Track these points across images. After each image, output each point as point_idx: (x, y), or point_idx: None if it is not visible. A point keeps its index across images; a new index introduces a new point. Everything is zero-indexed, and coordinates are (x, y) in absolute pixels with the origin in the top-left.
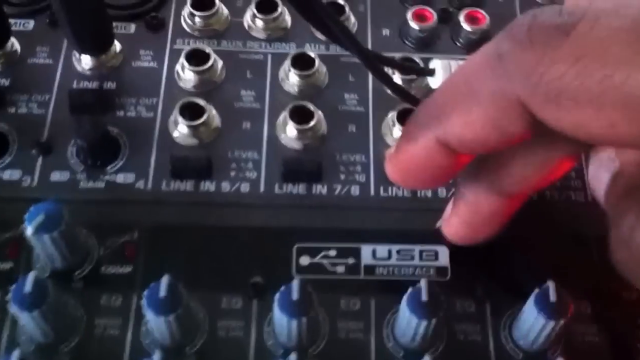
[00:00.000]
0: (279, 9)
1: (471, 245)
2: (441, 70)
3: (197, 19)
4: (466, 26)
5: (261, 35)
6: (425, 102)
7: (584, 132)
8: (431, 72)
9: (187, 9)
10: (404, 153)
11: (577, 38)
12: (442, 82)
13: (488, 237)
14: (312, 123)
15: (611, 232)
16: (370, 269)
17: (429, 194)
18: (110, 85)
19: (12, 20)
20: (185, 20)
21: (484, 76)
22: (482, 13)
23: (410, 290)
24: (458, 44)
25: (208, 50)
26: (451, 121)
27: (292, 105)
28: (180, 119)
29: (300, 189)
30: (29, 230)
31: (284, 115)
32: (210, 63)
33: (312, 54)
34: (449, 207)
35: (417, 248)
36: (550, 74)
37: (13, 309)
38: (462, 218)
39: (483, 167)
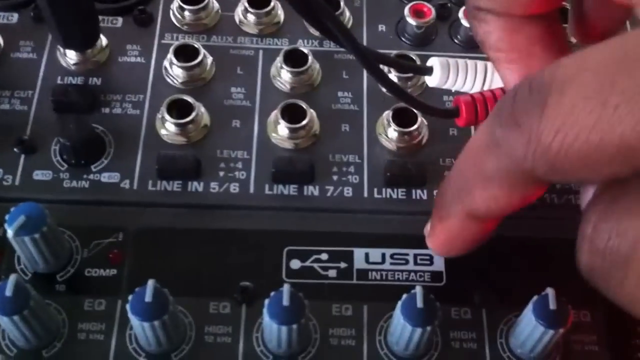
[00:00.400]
0: (272, 4)
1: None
2: (439, 68)
3: (186, 13)
4: (465, 22)
5: (253, 30)
6: (445, 185)
7: (593, 182)
8: (429, 71)
9: (177, 2)
10: (440, 230)
11: (550, 113)
12: (453, 166)
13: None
14: (304, 122)
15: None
16: (363, 274)
17: (425, 196)
18: (95, 81)
19: None
20: (174, 14)
21: (490, 160)
22: None
23: (404, 296)
24: (456, 41)
25: (197, 45)
26: (475, 199)
27: (283, 104)
28: (167, 117)
29: (291, 190)
30: (9, 233)
31: (275, 113)
32: (199, 59)
33: (305, 50)
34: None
35: (411, 252)
36: (540, 150)
37: None
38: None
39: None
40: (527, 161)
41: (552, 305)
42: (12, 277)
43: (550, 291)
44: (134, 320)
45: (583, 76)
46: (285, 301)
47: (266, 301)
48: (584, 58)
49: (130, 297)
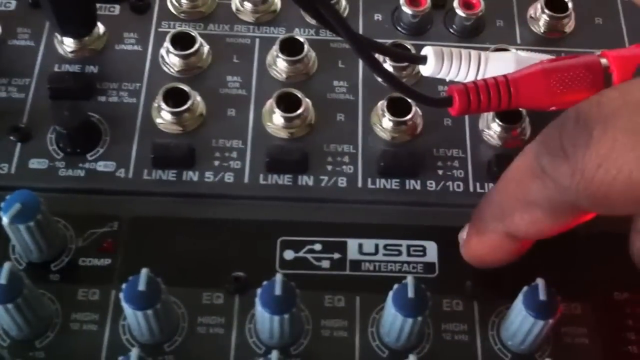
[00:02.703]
0: None
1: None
2: (433, 57)
3: (183, 1)
4: (460, 12)
5: (249, 18)
6: (485, 202)
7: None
8: (423, 60)
9: None
10: (476, 244)
11: (594, 147)
12: (496, 184)
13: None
14: (299, 111)
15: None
16: (356, 265)
17: (418, 186)
18: (92, 69)
19: None
20: (171, 1)
21: (534, 186)
22: None
23: (396, 286)
24: (451, 30)
25: (194, 33)
26: (515, 221)
27: (278, 92)
28: (163, 106)
29: (285, 180)
30: (4, 220)
31: (271, 102)
32: (195, 47)
33: (302, 39)
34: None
35: (404, 243)
36: (583, 183)
37: None
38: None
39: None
40: (571, 192)
41: (542, 296)
42: (7, 265)
43: (540, 281)
44: (126, 309)
45: (626, 110)
46: (278, 290)
47: (258, 290)
48: (628, 91)
49: (123, 286)
